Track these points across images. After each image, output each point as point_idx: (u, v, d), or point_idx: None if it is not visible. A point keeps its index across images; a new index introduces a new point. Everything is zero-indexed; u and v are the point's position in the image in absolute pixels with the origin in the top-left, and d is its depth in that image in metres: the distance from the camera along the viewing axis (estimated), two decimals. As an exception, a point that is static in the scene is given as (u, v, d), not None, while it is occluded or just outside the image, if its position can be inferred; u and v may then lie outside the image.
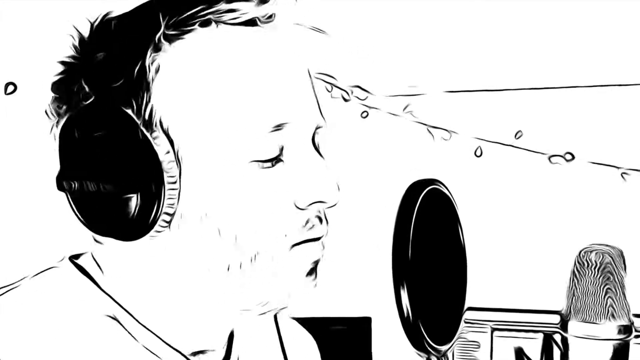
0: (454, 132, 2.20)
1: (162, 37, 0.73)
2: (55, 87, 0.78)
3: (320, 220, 0.78)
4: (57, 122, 0.77)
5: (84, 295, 0.77)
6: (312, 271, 0.79)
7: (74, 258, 0.82)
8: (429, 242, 1.45)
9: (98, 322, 0.76)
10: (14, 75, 1.56)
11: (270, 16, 0.77)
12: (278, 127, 0.74)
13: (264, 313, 0.79)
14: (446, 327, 1.51)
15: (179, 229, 0.74)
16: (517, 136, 2.17)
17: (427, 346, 1.39)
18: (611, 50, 2.01)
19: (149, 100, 0.73)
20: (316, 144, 0.79)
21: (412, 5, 1.97)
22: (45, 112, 0.79)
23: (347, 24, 2.00)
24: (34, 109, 1.44)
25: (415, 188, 1.46)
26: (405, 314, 1.36)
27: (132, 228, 0.73)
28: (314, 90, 0.80)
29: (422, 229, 1.42)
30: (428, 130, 2.21)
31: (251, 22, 0.77)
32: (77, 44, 0.77)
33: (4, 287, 0.79)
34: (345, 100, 2.20)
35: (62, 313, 0.75)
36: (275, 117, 0.74)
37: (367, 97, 2.21)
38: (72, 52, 0.77)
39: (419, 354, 1.42)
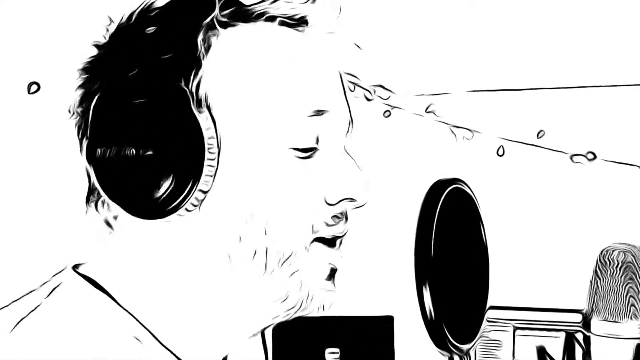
0: (477, 131, 2.20)
1: (216, 21, 0.74)
2: (91, 66, 0.77)
3: (343, 218, 0.79)
4: (86, 97, 0.76)
5: (103, 314, 0.75)
6: (331, 276, 0.79)
7: (75, 268, 0.80)
8: (451, 241, 1.46)
9: (122, 344, 0.74)
10: (38, 74, 1.57)
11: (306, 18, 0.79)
12: (318, 113, 0.76)
13: (285, 314, 0.79)
14: (468, 326, 1.51)
15: (209, 209, 0.74)
16: (539, 135, 2.17)
17: (449, 345, 1.39)
18: (635, 49, 2.00)
19: (197, 76, 0.73)
20: (345, 147, 0.80)
21: (436, 5, 1.98)
22: (69, 110, 0.78)
23: (370, 23, 2.01)
24: (57, 108, 1.46)
25: (438, 187, 1.47)
26: (428, 313, 1.36)
27: (163, 203, 0.71)
28: (346, 94, 0.82)
29: (444, 228, 1.42)
30: (450, 129, 2.21)
31: (296, 24, 0.78)
32: (124, 20, 0.77)
33: (11, 302, 0.77)
34: (368, 99, 2.20)
35: (84, 335, 0.73)
36: (315, 103, 0.76)
37: (389, 96, 2.21)
38: (112, 31, 0.77)
39: (441, 353, 1.42)
